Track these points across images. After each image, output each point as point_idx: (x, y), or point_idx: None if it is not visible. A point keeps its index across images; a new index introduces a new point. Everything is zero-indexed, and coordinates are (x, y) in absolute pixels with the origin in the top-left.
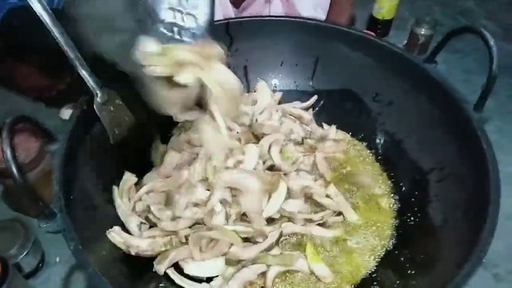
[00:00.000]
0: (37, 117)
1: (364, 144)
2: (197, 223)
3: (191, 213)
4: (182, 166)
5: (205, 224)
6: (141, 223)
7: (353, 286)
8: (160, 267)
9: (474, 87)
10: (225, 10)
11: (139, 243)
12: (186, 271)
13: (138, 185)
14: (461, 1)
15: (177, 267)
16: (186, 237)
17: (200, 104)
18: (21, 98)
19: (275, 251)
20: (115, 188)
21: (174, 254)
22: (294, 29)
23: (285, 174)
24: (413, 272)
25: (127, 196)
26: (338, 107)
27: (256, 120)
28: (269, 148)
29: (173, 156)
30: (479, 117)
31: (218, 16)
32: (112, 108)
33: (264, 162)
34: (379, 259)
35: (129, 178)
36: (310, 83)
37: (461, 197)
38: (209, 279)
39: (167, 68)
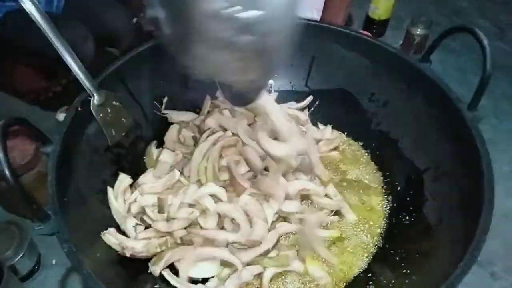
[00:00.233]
0: (33, 119)
1: (360, 143)
2: (192, 224)
3: (186, 213)
4: (175, 166)
5: (200, 225)
6: (137, 224)
7: (346, 283)
8: (156, 268)
9: (470, 87)
10: None
11: (134, 244)
12: (181, 272)
13: (133, 186)
14: (456, 1)
15: (172, 268)
16: (181, 238)
17: None
18: (17, 100)
19: (272, 253)
20: (110, 189)
21: (170, 255)
22: None
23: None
24: (408, 271)
25: (122, 198)
26: (333, 107)
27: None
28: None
29: (167, 156)
30: (473, 116)
31: None
32: (109, 110)
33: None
34: (374, 258)
35: (124, 179)
36: (306, 84)
37: (455, 196)
38: (204, 280)
39: None
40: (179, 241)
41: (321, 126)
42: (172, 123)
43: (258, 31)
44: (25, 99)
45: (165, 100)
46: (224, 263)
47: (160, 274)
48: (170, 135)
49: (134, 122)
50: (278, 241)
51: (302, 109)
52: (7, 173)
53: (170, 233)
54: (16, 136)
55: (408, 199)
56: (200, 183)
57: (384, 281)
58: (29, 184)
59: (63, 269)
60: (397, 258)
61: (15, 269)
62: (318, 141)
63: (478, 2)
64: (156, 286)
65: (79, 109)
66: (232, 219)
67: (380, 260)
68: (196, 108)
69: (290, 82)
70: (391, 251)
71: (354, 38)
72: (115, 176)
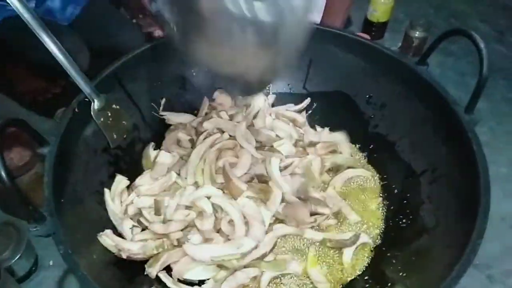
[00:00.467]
0: (31, 121)
1: (357, 146)
2: (189, 226)
3: (182, 215)
4: (172, 168)
5: (196, 227)
6: (133, 226)
7: (343, 285)
8: (152, 270)
9: (468, 89)
10: None
11: (131, 246)
12: (176, 274)
13: (130, 188)
14: (455, 4)
15: (169, 270)
16: (178, 240)
17: None
18: (14, 101)
19: (269, 257)
20: (106, 191)
21: (166, 257)
22: None
23: None
24: (404, 273)
25: (119, 199)
26: (331, 110)
27: (253, 125)
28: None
29: (164, 157)
30: (470, 118)
31: None
32: (109, 113)
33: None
34: (371, 260)
35: (120, 181)
36: (304, 86)
37: (452, 198)
38: (201, 282)
39: None
40: (175, 243)
41: (318, 128)
42: (170, 125)
43: (276, 33)
44: (23, 100)
45: (162, 101)
46: (220, 265)
47: (157, 276)
48: (169, 137)
49: (133, 123)
50: (275, 244)
51: (299, 111)
52: (3, 174)
53: (166, 235)
54: (14, 137)
55: (405, 201)
56: (197, 185)
57: (381, 284)
58: (26, 185)
59: (60, 270)
60: (394, 261)
61: (12, 270)
62: (315, 144)
63: (477, 5)
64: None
65: (76, 110)
66: (230, 221)
67: (377, 263)
68: (194, 110)
69: (288, 84)
70: (388, 254)
71: (352, 41)
72: (112, 178)
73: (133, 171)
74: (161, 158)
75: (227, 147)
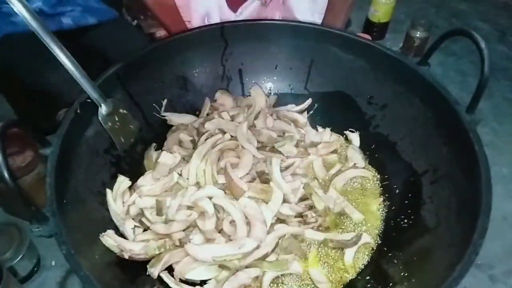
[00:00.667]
0: (34, 121)
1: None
2: (190, 226)
3: (184, 216)
4: (174, 169)
5: (198, 227)
6: (135, 226)
7: (343, 285)
8: (154, 271)
9: (470, 89)
10: (222, 15)
11: (133, 246)
12: (178, 274)
13: (132, 188)
14: (457, 4)
15: (171, 270)
16: (180, 240)
17: None
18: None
19: (271, 257)
20: (108, 191)
21: (168, 257)
22: (288, 33)
23: None
24: (406, 273)
25: (121, 200)
26: (332, 110)
27: (254, 125)
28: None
29: (166, 158)
30: (471, 118)
31: (215, 19)
32: (117, 118)
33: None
34: (372, 260)
35: (122, 181)
36: (305, 86)
37: (453, 199)
38: (202, 282)
39: None
40: (177, 243)
41: (320, 128)
42: (171, 126)
43: None
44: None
45: (164, 102)
46: (222, 265)
47: (159, 276)
48: (170, 137)
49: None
50: (277, 244)
51: (301, 112)
52: (6, 175)
53: (168, 235)
54: (16, 138)
55: (406, 201)
56: (198, 186)
57: (382, 284)
58: (29, 186)
59: (62, 271)
60: (395, 261)
61: (15, 270)
62: (316, 144)
63: (478, 5)
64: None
65: (78, 111)
66: (231, 221)
67: (378, 263)
68: (195, 110)
69: (289, 85)
70: (389, 254)
71: (353, 41)
72: (114, 178)
73: (135, 171)
74: (162, 158)
75: (228, 147)
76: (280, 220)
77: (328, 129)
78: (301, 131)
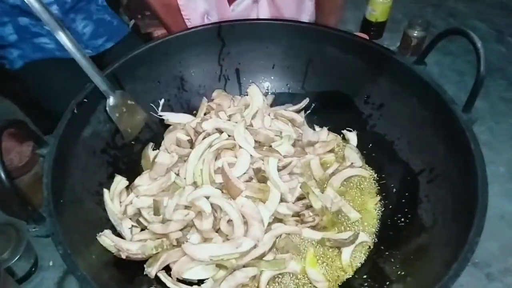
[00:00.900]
0: (31, 121)
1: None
2: (188, 226)
3: (181, 215)
4: (171, 168)
5: (195, 227)
6: (133, 226)
7: (340, 284)
8: (151, 270)
9: (467, 88)
10: (220, 13)
11: (130, 246)
12: (175, 273)
13: (129, 188)
14: (454, 3)
15: (168, 270)
16: (177, 240)
17: None
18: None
19: (268, 256)
20: (106, 191)
21: (165, 257)
22: (285, 32)
23: None
24: (402, 272)
25: (118, 199)
26: (329, 110)
27: (251, 125)
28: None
29: (163, 158)
30: (468, 118)
31: (214, 17)
32: (124, 109)
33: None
34: (369, 259)
35: (119, 181)
36: (302, 86)
37: (450, 198)
38: (200, 282)
39: None
40: (175, 243)
41: (317, 128)
42: (168, 126)
43: None
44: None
45: (161, 102)
46: (219, 265)
47: (156, 276)
48: (168, 137)
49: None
50: (274, 243)
51: (298, 111)
52: (3, 175)
53: (166, 235)
54: (13, 138)
55: (403, 200)
56: (196, 185)
57: (379, 282)
58: (26, 186)
59: (60, 271)
60: (392, 259)
61: (12, 271)
62: (313, 144)
63: (476, 4)
64: (151, 287)
65: (75, 111)
66: (229, 221)
67: (375, 261)
68: (192, 110)
69: (287, 84)
70: (386, 253)
71: (350, 41)
72: (111, 178)
73: (132, 171)
74: (160, 158)
75: (226, 147)
76: (277, 219)
77: (325, 129)
78: (298, 131)
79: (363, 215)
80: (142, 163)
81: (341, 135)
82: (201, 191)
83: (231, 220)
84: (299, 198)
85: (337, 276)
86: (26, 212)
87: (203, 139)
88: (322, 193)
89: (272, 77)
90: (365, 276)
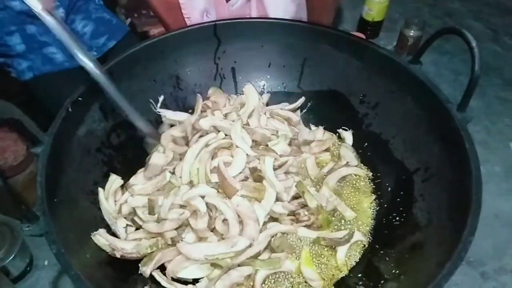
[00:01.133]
0: (25, 120)
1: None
2: (183, 225)
3: (176, 214)
4: (167, 167)
5: (191, 226)
6: (127, 225)
7: (335, 283)
8: (146, 269)
9: (463, 88)
10: (220, 12)
11: (124, 245)
12: (170, 272)
13: (124, 187)
14: (450, 3)
15: (163, 269)
16: (172, 239)
17: None
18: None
19: (264, 255)
20: (101, 190)
21: (160, 256)
22: (281, 31)
23: None
24: (397, 271)
25: (113, 199)
26: (325, 109)
27: (248, 124)
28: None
29: (157, 158)
30: (462, 117)
31: (213, 15)
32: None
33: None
34: (363, 258)
35: (114, 180)
36: (298, 85)
37: (444, 197)
38: (195, 281)
39: None
40: (170, 242)
41: (313, 127)
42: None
43: None
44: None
45: (161, 99)
46: (214, 264)
47: (151, 275)
48: (164, 135)
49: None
50: (269, 243)
51: (294, 110)
52: None
53: (161, 234)
54: (9, 136)
55: (398, 199)
56: (191, 184)
57: (374, 281)
58: (21, 184)
59: (55, 270)
60: (387, 258)
61: (7, 270)
62: (309, 143)
63: (472, 4)
64: (146, 287)
65: (69, 110)
66: (224, 220)
67: (370, 260)
68: (188, 109)
69: (283, 83)
70: (381, 251)
71: (346, 40)
72: (106, 177)
73: (127, 170)
74: (154, 159)
75: (222, 146)
76: (272, 218)
77: (321, 128)
78: (294, 130)
79: (358, 214)
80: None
81: (337, 134)
82: (196, 190)
83: (227, 220)
84: (295, 197)
85: (332, 275)
86: (20, 211)
87: (199, 137)
88: (318, 192)
89: (268, 76)
90: (359, 275)
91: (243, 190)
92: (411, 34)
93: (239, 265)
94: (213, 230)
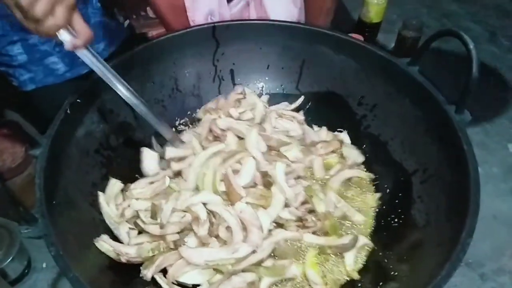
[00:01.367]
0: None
1: None
2: (186, 229)
3: (178, 217)
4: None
5: (193, 231)
6: (130, 229)
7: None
8: (147, 272)
9: (461, 89)
10: (222, 14)
11: (128, 250)
12: (171, 277)
13: (124, 191)
14: (448, 5)
15: (165, 273)
16: (175, 243)
17: None
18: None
19: (268, 262)
20: (101, 194)
21: (161, 260)
22: (280, 33)
23: None
24: (396, 272)
25: (113, 203)
26: (323, 110)
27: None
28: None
29: (172, 153)
30: (460, 118)
31: (217, 17)
32: None
33: None
34: (363, 260)
35: (114, 184)
36: (296, 87)
37: (443, 198)
38: (196, 285)
39: None
40: (172, 246)
41: (315, 127)
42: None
43: None
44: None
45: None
46: (216, 269)
47: (153, 278)
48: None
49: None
50: (273, 250)
51: (295, 111)
52: None
53: (163, 238)
54: (7, 138)
55: (396, 201)
56: (197, 189)
57: (373, 283)
58: (19, 187)
59: (53, 273)
60: (386, 260)
61: (5, 272)
62: (316, 144)
63: (469, 6)
64: None
65: (68, 111)
66: (227, 227)
67: (369, 262)
68: (186, 111)
69: (281, 85)
70: (380, 253)
71: (344, 41)
72: (104, 179)
73: (126, 172)
74: (169, 154)
75: (230, 156)
76: (278, 224)
77: (324, 128)
78: (304, 128)
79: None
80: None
81: None
82: (198, 197)
83: (230, 227)
84: (302, 202)
85: (337, 279)
86: (19, 213)
87: (208, 144)
88: (325, 195)
89: (267, 78)
90: (358, 277)
91: (249, 197)
92: (409, 35)
93: (243, 271)
94: (217, 236)
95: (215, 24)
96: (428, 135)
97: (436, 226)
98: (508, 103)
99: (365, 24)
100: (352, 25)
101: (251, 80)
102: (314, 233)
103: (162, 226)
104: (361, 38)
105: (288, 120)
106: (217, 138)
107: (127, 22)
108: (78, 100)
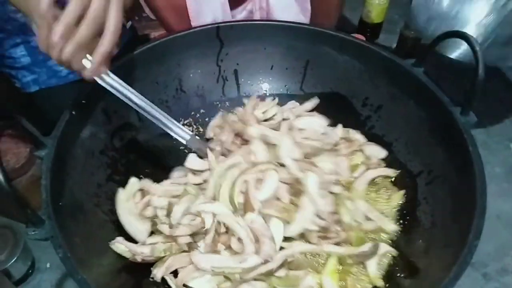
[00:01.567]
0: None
1: None
2: (200, 233)
3: (187, 220)
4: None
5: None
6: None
7: None
8: (157, 272)
9: (466, 91)
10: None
11: (143, 249)
12: (180, 281)
13: (141, 190)
14: None
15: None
16: (188, 246)
17: None
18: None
19: (281, 272)
20: (120, 190)
21: (171, 261)
22: (284, 33)
23: None
24: (402, 275)
25: (133, 201)
26: (328, 111)
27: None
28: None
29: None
30: (466, 120)
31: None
32: None
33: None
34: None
35: (134, 183)
36: (301, 87)
37: (448, 200)
38: None
39: None
40: (185, 248)
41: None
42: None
43: None
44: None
45: None
46: (226, 275)
47: (164, 279)
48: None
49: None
50: (285, 261)
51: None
52: (1, 177)
53: (174, 239)
54: (10, 139)
55: (401, 203)
56: (215, 199)
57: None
58: (23, 187)
59: (57, 273)
60: (391, 262)
61: (9, 273)
62: (337, 144)
63: None
64: None
65: (73, 112)
66: (239, 239)
67: None
68: (191, 111)
69: (285, 86)
70: None
71: (348, 42)
72: (109, 180)
73: (130, 172)
74: (189, 163)
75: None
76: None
77: (340, 125)
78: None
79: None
80: None
81: None
82: (210, 206)
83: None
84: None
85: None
86: (26, 215)
87: (226, 158)
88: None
89: (271, 78)
90: None
91: (272, 209)
92: (411, 36)
93: (254, 280)
94: (229, 247)
95: (219, 24)
96: (433, 137)
97: (442, 228)
98: (510, 103)
99: (367, 25)
100: (353, 25)
101: (255, 81)
102: (336, 244)
103: (171, 226)
104: (363, 38)
105: (309, 117)
106: (246, 142)
107: (129, 23)
108: (83, 101)
